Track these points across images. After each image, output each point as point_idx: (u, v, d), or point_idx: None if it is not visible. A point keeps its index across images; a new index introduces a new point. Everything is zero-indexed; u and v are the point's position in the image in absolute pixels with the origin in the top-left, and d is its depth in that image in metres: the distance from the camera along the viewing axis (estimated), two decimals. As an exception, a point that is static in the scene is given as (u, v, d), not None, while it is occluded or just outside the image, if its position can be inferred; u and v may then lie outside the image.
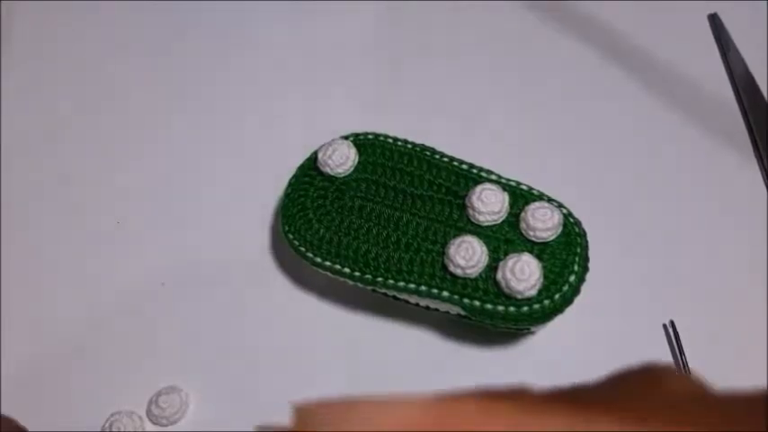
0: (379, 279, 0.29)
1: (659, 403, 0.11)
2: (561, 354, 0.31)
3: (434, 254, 0.29)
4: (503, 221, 0.29)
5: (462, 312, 0.29)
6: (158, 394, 0.31)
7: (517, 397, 0.11)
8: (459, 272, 0.28)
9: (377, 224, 0.30)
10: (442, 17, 0.41)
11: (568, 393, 0.11)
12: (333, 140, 0.32)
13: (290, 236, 0.31)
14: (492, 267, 0.28)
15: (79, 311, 0.34)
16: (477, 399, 0.10)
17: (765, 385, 0.30)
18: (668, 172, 0.36)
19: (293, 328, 0.33)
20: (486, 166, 0.31)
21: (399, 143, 0.32)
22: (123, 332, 0.33)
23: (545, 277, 0.28)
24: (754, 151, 0.36)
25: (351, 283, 0.30)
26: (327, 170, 0.31)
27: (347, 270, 0.30)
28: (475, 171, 0.30)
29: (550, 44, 0.40)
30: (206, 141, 0.38)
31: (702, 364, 0.30)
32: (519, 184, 0.30)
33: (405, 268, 0.29)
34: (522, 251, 0.28)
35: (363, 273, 0.30)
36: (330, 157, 0.31)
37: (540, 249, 0.28)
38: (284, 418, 0.11)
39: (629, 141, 0.37)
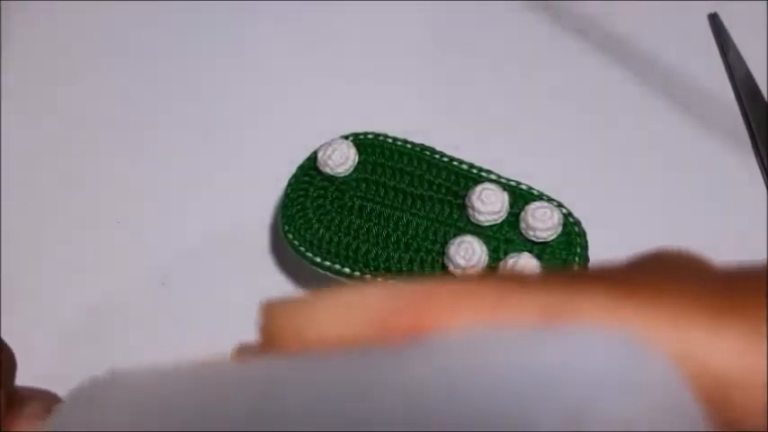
0: (379, 279, 0.29)
1: (657, 278, 0.10)
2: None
3: (434, 254, 0.29)
4: (503, 221, 0.29)
5: (462, 312, 0.29)
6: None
7: (498, 276, 0.10)
8: (459, 272, 0.28)
9: (377, 224, 0.30)
10: (441, 17, 0.41)
11: (563, 272, 0.11)
12: (333, 140, 0.32)
13: (290, 236, 0.31)
14: (492, 267, 0.28)
15: (79, 312, 0.34)
16: (454, 281, 0.10)
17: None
18: (668, 172, 0.36)
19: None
20: (486, 165, 0.31)
21: (399, 143, 0.32)
22: (122, 332, 0.33)
23: (545, 277, 0.28)
24: (754, 151, 0.36)
25: (351, 283, 0.30)
26: (327, 170, 0.31)
27: (347, 270, 0.30)
28: (475, 171, 0.30)
29: (550, 44, 0.40)
30: (205, 141, 0.38)
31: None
32: (519, 183, 0.30)
33: (405, 268, 0.29)
34: (522, 251, 0.28)
35: (363, 273, 0.30)
36: (330, 157, 0.31)
37: (540, 249, 0.28)
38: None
39: (628, 141, 0.37)
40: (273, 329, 0.10)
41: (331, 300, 0.10)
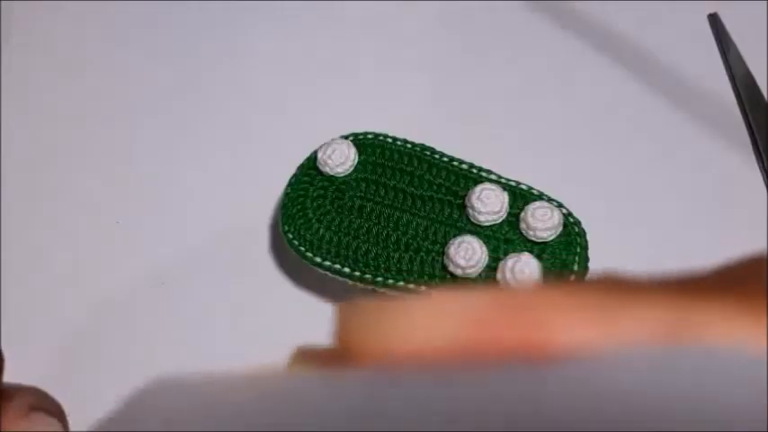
0: (379, 279, 0.29)
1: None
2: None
3: (434, 254, 0.29)
4: (503, 221, 0.29)
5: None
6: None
7: (605, 282, 0.09)
8: (459, 272, 0.28)
9: (377, 224, 0.30)
10: (441, 17, 0.41)
11: (669, 279, 0.09)
12: (332, 140, 0.32)
13: (290, 236, 0.31)
14: (492, 267, 0.28)
15: (79, 312, 0.34)
16: (553, 293, 0.09)
17: None
18: (668, 172, 0.36)
19: (293, 328, 0.33)
20: (486, 165, 0.31)
21: (399, 143, 0.32)
22: (123, 332, 0.33)
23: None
24: (754, 151, 0.36)
25: (351, 282, 0.30)
26: (327, 170, 0.31)
27: (347, 270, 0.30)
28: (475, 171, 0.30)
29: (550, 44, 0.40)
30: (205, 141, 0.38)
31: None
32: (519, 183, 0.30)
33: (405, 268, 0.29)
34: (522, 251, 0.28)
35: (363, 273, 0.30)
36: (330, 157, 0.31)
37: (540, 249, 0.28)
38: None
39: (628, 141, 0.37)
40: (351, 334, 0.09)
41: (420, 305, 0.09)
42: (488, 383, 0.08)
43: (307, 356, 0.10)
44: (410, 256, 0.29)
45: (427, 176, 0.30)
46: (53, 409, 0.21)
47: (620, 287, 0.09)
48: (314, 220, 0.31)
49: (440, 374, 0.08)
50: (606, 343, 0.08)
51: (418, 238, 0.29)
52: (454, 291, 0.09)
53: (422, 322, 0.09)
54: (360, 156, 0.31)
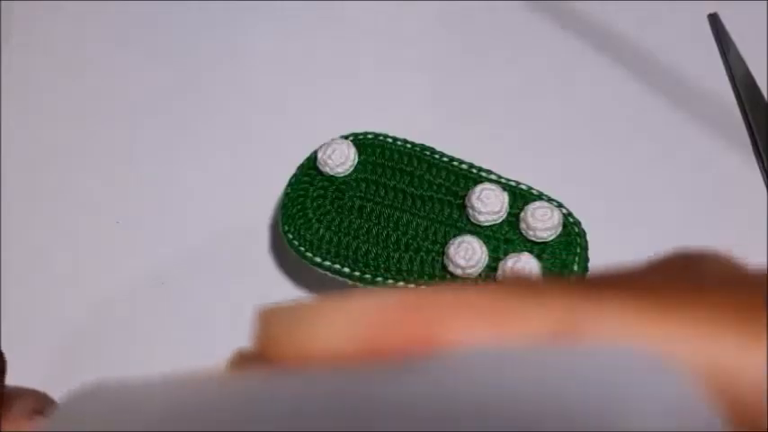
0: (379, 279, 0.29)
1: (681, 284, 0.09)
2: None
3: (434, 254, 0.29)
4: (503, 221, 0.29)
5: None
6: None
7: (504, 283, 0.10)
8: (459, 272, 0.28)
9: (377, 224, 0.30)
10: (441, 17, 0.41)
11: (577, 278, 0.10)
12: (332, 140, 0.32)
13: (290, 236, 0.31)
14: (492, 267, 0.28)
15: (79, 312, 0.34)
16: (451, 293, 0.09)
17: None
18: (668, 172, 0.36)
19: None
20: (485, 165, 0.31)
21: (399, 143, 0.32)
22: (123, 332, 0.33)
23: (545, 277, 0.28)
24: (754, 151, 0.36)
25: (351, 283, 0.30)
26: (327, 170, 0.31)
27: (347, 270, 0.30)
28: (475, 171, 0.30)
29: (550, 44, 0.40)
30: (205, 141, 0.38)
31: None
32: (519, 183, 0.30)
33: (405, 268, 0.29)
34: (522, 251, 0.28)
35: (363, 273, 0.30)
36: (330, 157, 0.31)
37: (539, 249, 0.28)
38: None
39: (628, 141, 0.37)
40: (268, 338, 0.10)
41: (327, 309, 0.10)
42: (381, 381, 0.09)
43: (242, 358, 0.11)
44: (410, 256, 0.29)
45: (427, 176, 0.30)
46: None
47: (517, 288, 0.09)
48: (314, 220, 0.31)
49: (345, 373, 0.09)
50: (493, 341, 0.09)
51: (418, 238, 0.29)
52: (363, 293, 0.10)
53: (331, 324, 0.09)
54: (360, 156, 0.31)
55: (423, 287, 0.10)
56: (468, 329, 0.09)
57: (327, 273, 0.31)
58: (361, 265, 0.30)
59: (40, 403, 0.22)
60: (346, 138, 0.32)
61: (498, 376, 0.08)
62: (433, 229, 0.29)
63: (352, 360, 0.09)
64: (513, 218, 0.29)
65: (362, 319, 0.09)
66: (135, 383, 0.10)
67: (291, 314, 0.10)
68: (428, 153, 0.31)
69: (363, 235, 0.30)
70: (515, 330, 0.09)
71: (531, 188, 0.30)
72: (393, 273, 0.29)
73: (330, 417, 0.08)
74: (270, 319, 0.10)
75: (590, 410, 0.08)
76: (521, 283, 0.10)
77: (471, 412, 0.08)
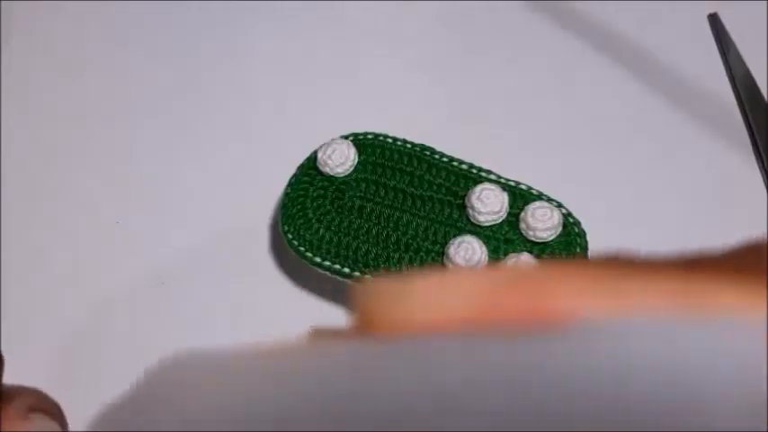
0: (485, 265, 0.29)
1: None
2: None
3: (434, 254, 0.29)
4: (502, 221, 0.29)
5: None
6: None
7: (613, 258, 0.09)
8: (476, 269, 0.28)
9: (377, 224, 0.30)
10: (440, 17, 0.41)
11: (675, 257, 0.10)
12: (332, 140, 0.32)
13: (290, 236, 0.31)
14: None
15: (79, 312, 0.34)
16: (563, 267, 0.09)
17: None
18: (668, 172, 0.36)
19: (292, 328, 0.33)
20: (485, 165, 0.31)
21: (399, 143, 0.32)
22: (123, 332, 0.33)
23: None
24: (754, 151, 0.36)
25: (351, 283, 0.30)
26: (327, 170, 0.31)
27: (347, 270, 0.30)
28: (475, 171, 0.30)
29: (550, 44, 0.40)
30: (205, 141, 0.38)
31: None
32: (519, 183, 0.30)
33: (405, 268, 0.29)
34: (522, 251, 0.28)
35: (363, 273, 0.30)
36: (330, 157, 0.31)
37: (539, 249, 0.28)
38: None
39: (628, 142, 0.37)
40: (373, 311, 0.10)
41: (436, 281, 0.09)
42: (496, 351, 0.08)
43: (324, 335, 0.10)
44: (410, 257, 0.29)
45: (427, 176, 0.30)
46: (53, 411, 0.21)
47: (628, 262, 0.09)
48: (314, 221, 0.31)
49: (454, 341, 0.09)
50: (613, 312, 0.08)
51: (418, 239, 0.29)
52: (472, 269, 0.09)
53: (442, 294, 0.09)
54: (360, 156, 0.31)
55: (532, 264, 0.09)
56: (586, 300, 0.09)
57: (327, 273, 0.31)
58: (361, 265, 0.30)
59: (38, 401, 0.22)
60: (346, 138, 0.32)
61: (627, 347, 0.08)
62: (432, 229, 0.29)
63: (460, 328, 0.09)
64: (513, 218, 0.29)
65: (474, 288, 0.09)
66: (228, 354, 0.10)
67: (397, 287, 0.10)
68: (428, 153, 0.31)
69: (363, 235, 0.30)
70: (634, 301, 0.09)
71: (531, 188, 0.30)
72: (393, 273, 0.29)
73: (449, 390, 0.08)
74: (374, 292, 0.10)
75: (722, 381, 0.08)
76: (631, 258, 0.09)
77: (598, 387, 0.08)
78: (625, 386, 0.08)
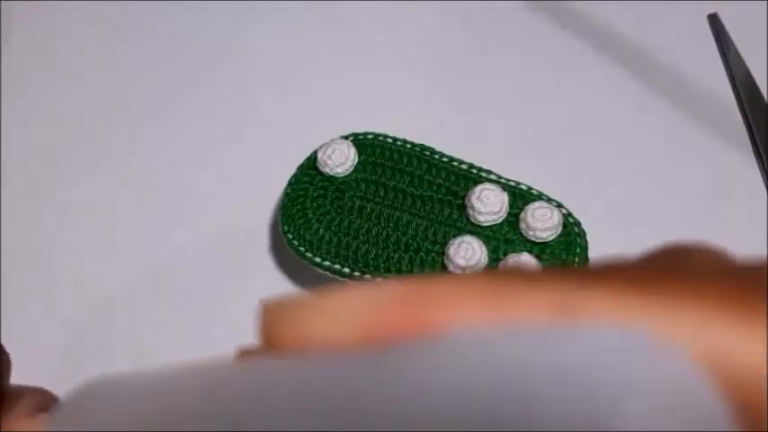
0: (379, 279, 0.29)
1: (675, 273, 0.09)
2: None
3: (434, 254, 0.29)
4: (502, 221, 0.29)
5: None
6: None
7: (499, 273, 0.10)
8: (458, 272, 0.28)
9: (377, 224, 0.30)
10: (441, 17, 0.41)
11: (572, 267, 0.10)
12: (332, 140, 0.32)
13: (290, 236, 0.31)
14: (492, 268, 0.28)
15: (79, 312, 0.34)
16: (448, 281, 0.10)
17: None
18: (668, 172, 0.36)
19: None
20: (485, 165, 0.31)
21: (399, 143, 0.32)
22: (123, 332, 0.33)
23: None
24: (754, 151, 0.36)
25: (351, 282, 0.30)
26: (327, 170, 0.31)
27: (347, 270, 0.30)
28: (475, 171, 0.30)
29: (550, 44, 0.40)
30: (205, 141, 0.38)
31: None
32: (519, 183, 0.30)
33: (405, 268, 0.29)
34: (522, 251, 0.28)
35: (363, 273, 0.30)
36: (330, 157, 0.31)
37: (539, 249, 0.28)
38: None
39: (628, 142, 0.37)
40: (271, 330, 0.10)
41: (327, 297, 0.10)
42: (379, 364, 0.09)
43: (246, 354, 0.11)
44: (410, 257, 0.29)
45: (427, 176, 0.30)
46: None
47: (514, 274, 0.10)
48: (314, 220, 0.31)
49: (344, 357, 0.09)
50: (493, 324, 0.09)
51: (418, 239, 0.29)
52: (361, 283, 0.10)
53: (331, 310, 0.10)
54: (360, 156, 0.31)
55: (419, 277, 0.10)
56: (465, 312, 0.09)
57: (327, 273, 0.31)
58: (360, 265, 0.30)
59: (45, 401, 0.22)
60: (346, 138, 0.32)
61: (496, 357, 0.08)
62: (432, 229, 0.29)
63: (351, 345, 0.09)
64: (513, 218, 0.29)
65: (361, 304, 0.10)
66: (145, 373, 0.10)
67: (291, 304, 0.10)
68: (428, 153, 0.31)
69: (363, 235, 0.30)
70: (512, 313, 0.09)
71: (531, 188, 0.30)
72: (393, 273, 0.29)
73: (330, 400, 0.09)
74: (271, 309, 0.10)
75: (589, 390, 0.08)
76: (517, 270, 0.10)
77: (466, 394, 0.08)
78: (492, 394, 0.08)
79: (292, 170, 0.33)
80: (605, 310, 0.09)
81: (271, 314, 0.10)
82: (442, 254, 0.29)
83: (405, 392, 0.08)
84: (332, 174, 0.31)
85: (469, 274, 0.10)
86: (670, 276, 0.09)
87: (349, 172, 0.31)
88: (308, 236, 0.31)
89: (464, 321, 0.09)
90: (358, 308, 0.10)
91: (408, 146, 0.31)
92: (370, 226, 0.30)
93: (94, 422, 0.10)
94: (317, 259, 0.30)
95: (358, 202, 0.31)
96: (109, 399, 0.10)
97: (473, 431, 0.08)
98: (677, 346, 0.09)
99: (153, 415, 0.09)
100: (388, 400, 0.08)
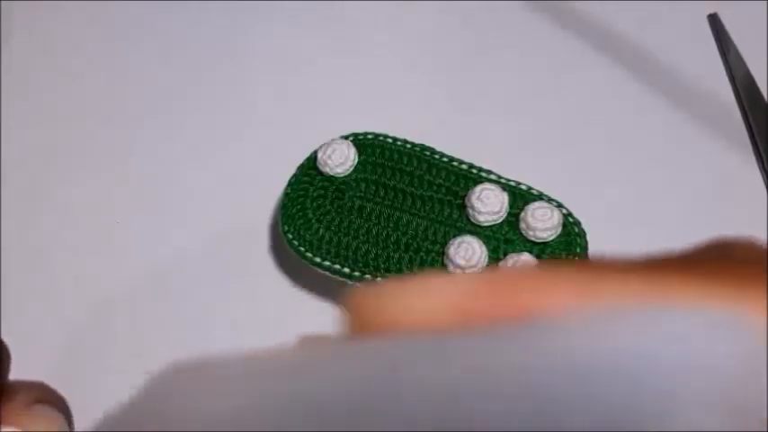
0: (379, 279, 0.29)
1: (735, 264, 0.10)
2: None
3: (434, 254, 0.29)
4: (502, 221, 0.29)
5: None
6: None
7: (583, 262, 0.10)
8: (458, 272, 0.28)
9: (377, 224, 0.30)
10: (441, 17, 0.41)
11: (640, 260, 0.10)
12: (332, 140, 0.32)
13: (290, 236, 0.31)
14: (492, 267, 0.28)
15: (78, 311, 0.34)
16: (537, 269, 0.10)
17: None
18: (668, 172, 0.36)
19: (292, 329, 0.33)
20: (486, 165, 0.31)
21: (399, 143, 0.32)
22: (123, 332, 0.33)
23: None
24: (754, 151, 0.36)
25: (350, 283, 0.30)
26: (327, 170, 0.31)
27: (347, 270, 0.30)
28: (475, 171, 0.30)
29: (550, 44, 0.40)
30: (205, 141, 0.38)
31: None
32: (519, 183, 0.30)
33: (405, 268, 0.29)
34: (522, 251, 0.28)
35: (363, 273, 0.30)
36: (330, 157, 0.31)
37: (539, 249, 0.28)
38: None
39: (628, 142, 0.37)
40: (362, 314, 0.10)
41: (421, 283, 0.10)
42: (474, 347, 0.09)
43: (312, 342, 0.11)
44: (410, 257, 0.29)
45: (427, 176, 0.30)
46: (59, 405, 0.22)
47: (597, 265, 0.10)
48: (314, 220, 0.31)
49: (437, 339, 0.09)
50: (584, 310, 0.09)
51: (418, 239, 0.29)
52: (453, 273, 0.10)
53: (426, 294, 0.10)
54: (360, 156, 0.31)
55: (511, 267, 0.10)
56: (560, 299, 0.09)
57: (327, 273, 0.31)
58: (360, 265, 0.30)
59: (44, 394, 0.22)
60: (346, 138, 0.32)
61: (592, 341, 0.08)
62: (432, 229, 0.29)
63: (446, 328, 0.09)
64: (513, 218, 0.29)
65: (457, 289, 0.10)
66: (239, 356, 0.10)
67: (385, 290, 0.10)
68: (428, 153, 0.31)
69: (363, 235, 0.30)
70: (604, 299, 0.09)
71: (530, 188, 0.30)
72: (393, 273, 0.29)
73: (425, 382, 0.09)
74: (363, 296, 0.10)
75: (687, 369, 0.08)
76: (601, 261, 0.10)
77: (564, 377, 0.08)
78: (585, 380, 0.08)
79: (292, 170, 0.33)
80: (689, 298, 0.09)
81: (361, 299, 0.10)
82: (442, 254, 0.29)
83: (503, 376, 0.08)
84: (332, 174, 0.31)
85: (556, 263, 0.10)
86: (730, 265, 0.10)
87: (349, 172, 0.31)
88: (308, 236, 0.31)
89: (557, 307, 0.09)
90: (453, 291, 0.10)
91: (408, 146, 0.31)
92: (370, 226, 0.30)
93: (191, 406, 0.10)
94: (317, 259, 0.30)
95: (358, 202, 0.31)
96: (205, 381, 0.10)
97: (576, 413, 0.08)
98: (761, 327, 0.09)
99: (265, 398, 0.09)
100: (488, 383, 0.08)
